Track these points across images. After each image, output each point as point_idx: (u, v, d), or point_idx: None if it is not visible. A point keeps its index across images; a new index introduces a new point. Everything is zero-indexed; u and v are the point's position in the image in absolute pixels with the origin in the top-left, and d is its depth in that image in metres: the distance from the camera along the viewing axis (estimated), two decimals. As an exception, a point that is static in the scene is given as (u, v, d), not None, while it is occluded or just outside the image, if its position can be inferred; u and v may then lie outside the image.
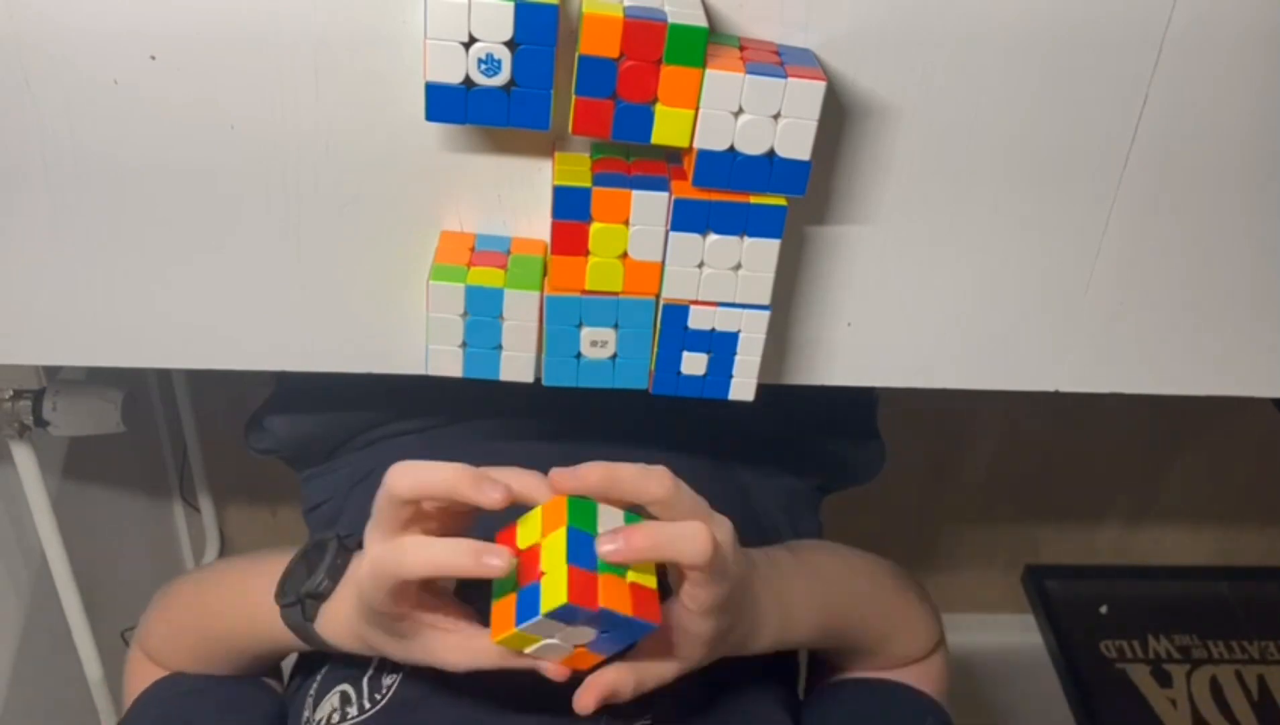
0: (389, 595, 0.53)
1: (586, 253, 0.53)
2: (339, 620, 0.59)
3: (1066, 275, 0.60)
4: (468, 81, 0.49)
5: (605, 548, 0.51)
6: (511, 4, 0.47)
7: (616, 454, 0.74)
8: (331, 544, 0.62)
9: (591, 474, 0.53)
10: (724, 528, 0.55)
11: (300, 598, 0.60)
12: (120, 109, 0.52)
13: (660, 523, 0.52)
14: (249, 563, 0.68)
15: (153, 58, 0.51)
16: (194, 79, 0.52)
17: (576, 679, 0.55)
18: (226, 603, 0.68)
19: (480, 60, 0.48)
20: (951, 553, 1.66)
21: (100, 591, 1.06)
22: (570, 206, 0.51)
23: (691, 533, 0.51)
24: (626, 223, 0.52)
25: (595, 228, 0.52)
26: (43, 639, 1.03)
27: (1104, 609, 1.63)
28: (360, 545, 0.60)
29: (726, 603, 0.55)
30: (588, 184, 0.51)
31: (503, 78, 0.49)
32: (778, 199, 0.52)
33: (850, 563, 0.72)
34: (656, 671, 0.56)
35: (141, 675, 0.72)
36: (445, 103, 0.49)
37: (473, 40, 0.48)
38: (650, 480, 0.53)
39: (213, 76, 0.52)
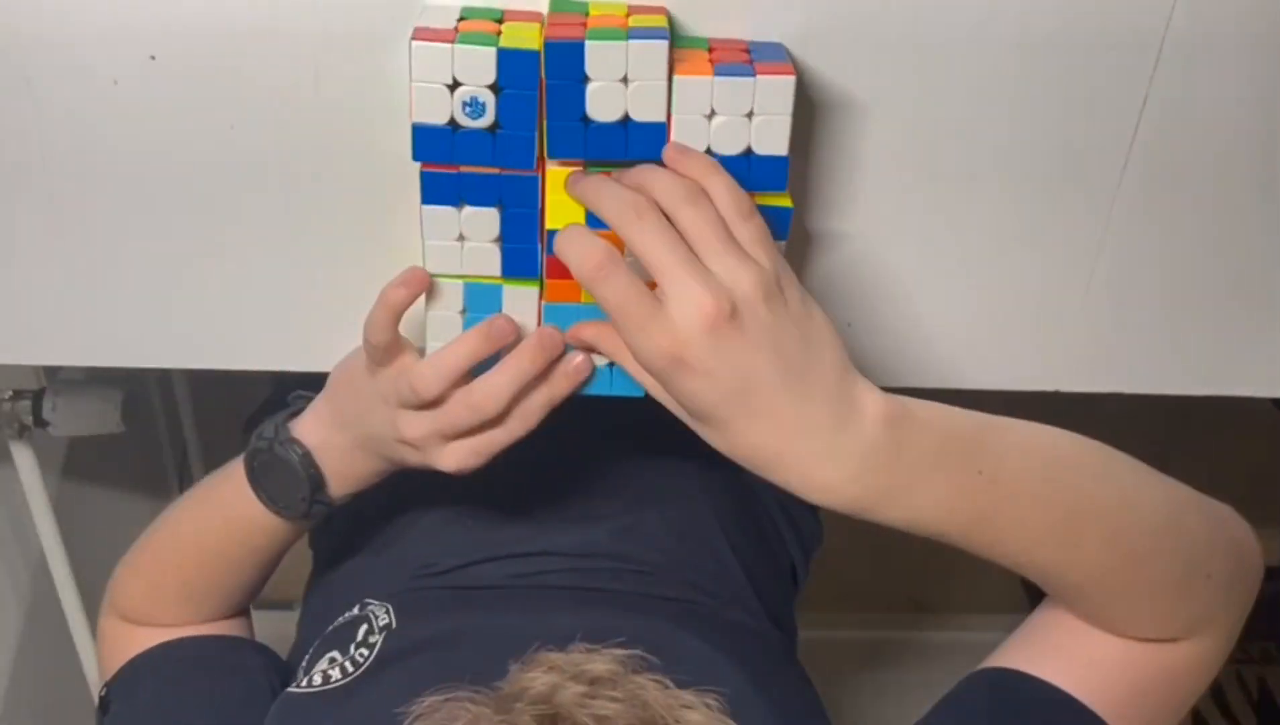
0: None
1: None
2: (319, 422, 0.60)
3: (1067, 276, 0.60)
4: (453, 123, 0.49)
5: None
6: (493, 49, 0.47)
7: (616, 454, 0.75)
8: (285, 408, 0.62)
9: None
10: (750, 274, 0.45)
11: (277, 423, 0.61)
12: (120, 109, 0.52)
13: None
14: (205, 484, 0.68)
15: (153, 58, 0.51)
16: (194, 79, 0.52)
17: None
18: (200, 517, 0.68)
19: (465, 103, 0.49)
20: (952, 553, 1.66)
21: (100, 592, 1.05)
22: None
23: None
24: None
25: None
26: (43, 639, 1.03)
27: (1104, 609, 1.62)
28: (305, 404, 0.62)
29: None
30: (581, 221, 0.51)
31: (487, 120, 0.49)
32: (784, 200, 0.52)
33: (1108, 467, 0.52)
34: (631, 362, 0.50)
35: (123, 641, 0.71)
36: (431, 144, 0.50)
37: (457, 84, 0.48)
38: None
39: (213, 76, 0.52)
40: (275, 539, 0.66)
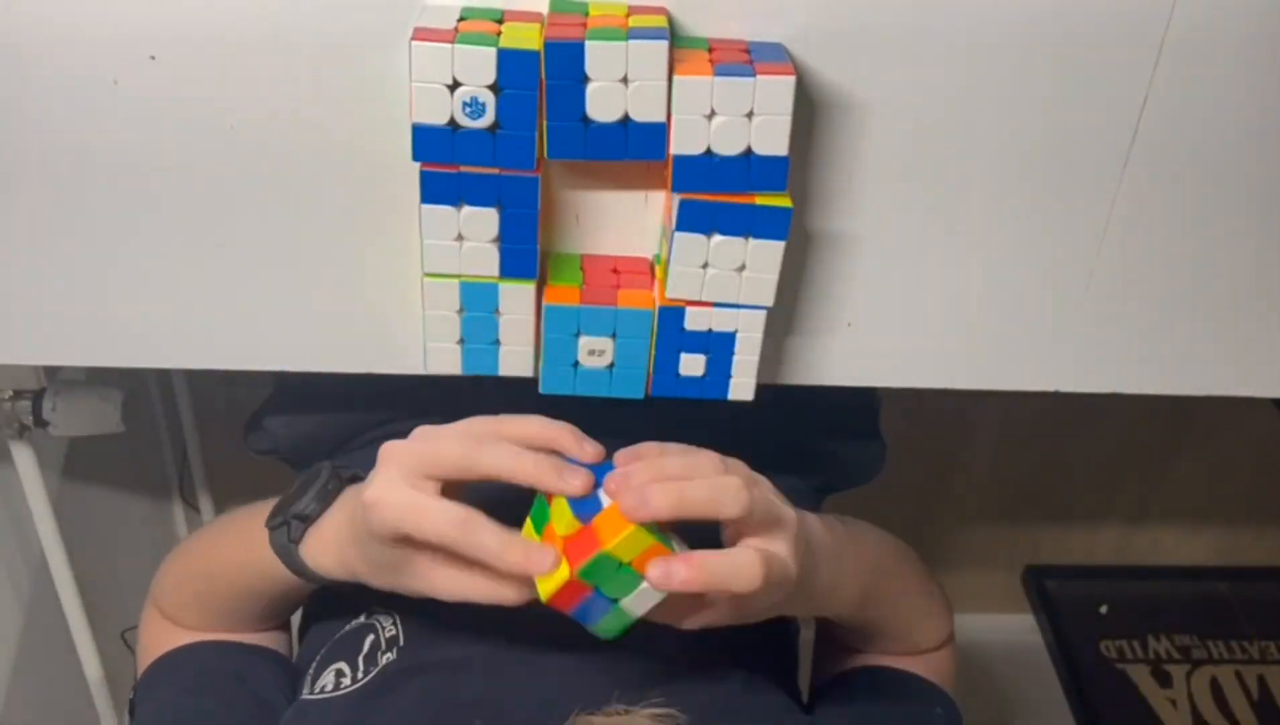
0: (397, 540, 0.53)
1: None
2: (325, 544, 0.59)
3: (1066, 275, 0.60)
4: (453, 123, 0.49)
5: (654, 573, 0.49)
6: (494, 49, 0.47)
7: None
8: (325, 471, 0.62)
9: (661, 501, 0.51)
10: (788, 528, 0.54)
11: (287, 519, 0.60)
12: (120, 109, 0.52)
13: (711, 554, 0.51)
14: (255, 507, 0.67)
15: (153, 58, 0.51)
16: (194, 79, 0.52)
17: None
18: (230, 544, 0.68)
19: (465, 103, 0.49)
20: (951, 553, 1.66)
21: (100, 591, 1.06)
22: None
23: (746, 565, 0.50)
24: None
25: None
26: (43, 639, 1.03)
27: (1104, 609, 1.62)
28: (354, 479, 0.61)
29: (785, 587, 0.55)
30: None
31: (487, 120, 0.49)
32: (783, 200, 0.52)
33: (888, 545, 0.73)
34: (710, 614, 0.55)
35: (156, 633, 0.72)
36: (431, 144, 0.50)
37: (457, 84, 0.48)
38: (724, 498, 0.51)
39: (213, 76, 0.52)
40: (269, 578, 0.63)
